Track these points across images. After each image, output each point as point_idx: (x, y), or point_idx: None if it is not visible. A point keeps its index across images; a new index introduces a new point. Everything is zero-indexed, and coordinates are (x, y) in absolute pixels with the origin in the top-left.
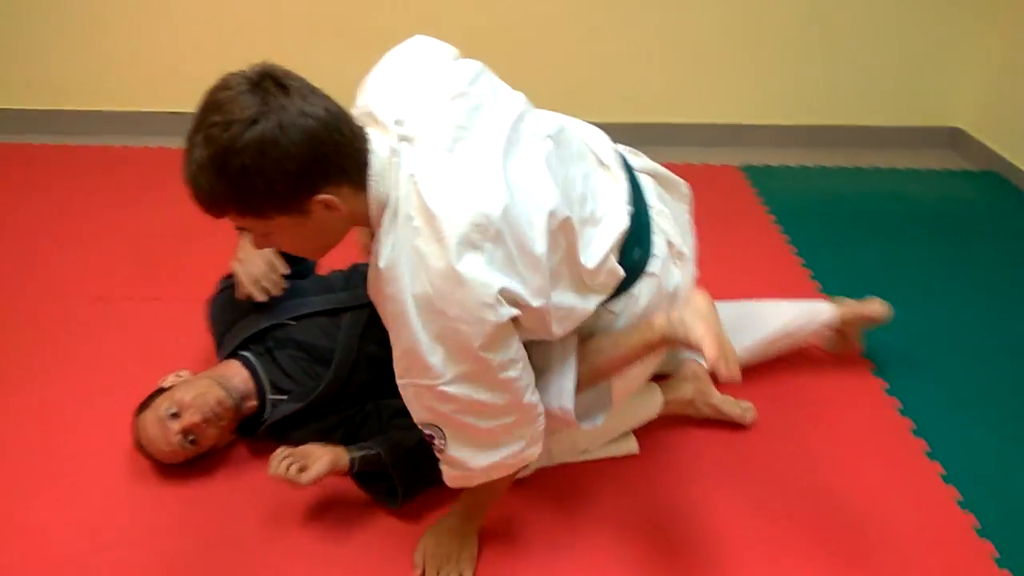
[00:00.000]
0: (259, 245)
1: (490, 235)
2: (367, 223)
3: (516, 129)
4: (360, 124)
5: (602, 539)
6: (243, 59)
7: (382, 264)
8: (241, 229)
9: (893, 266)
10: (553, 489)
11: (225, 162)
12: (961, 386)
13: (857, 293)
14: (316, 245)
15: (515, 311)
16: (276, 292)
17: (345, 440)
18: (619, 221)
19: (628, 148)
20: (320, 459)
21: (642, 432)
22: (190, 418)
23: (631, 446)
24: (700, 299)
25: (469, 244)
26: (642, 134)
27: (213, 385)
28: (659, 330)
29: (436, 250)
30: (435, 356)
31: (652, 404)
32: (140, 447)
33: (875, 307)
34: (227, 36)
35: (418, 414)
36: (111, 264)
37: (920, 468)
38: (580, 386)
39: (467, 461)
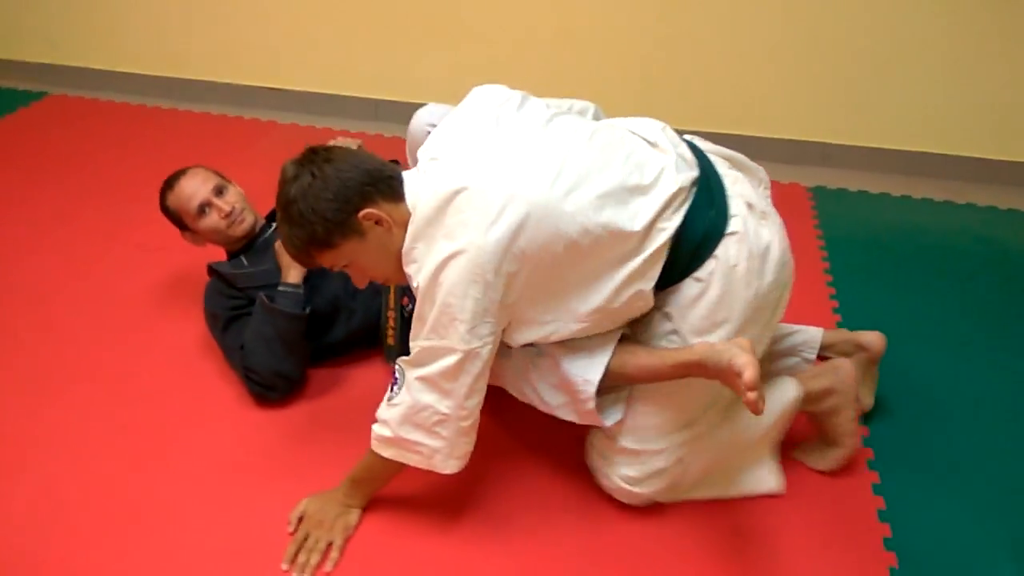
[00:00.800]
0: (356, 281)
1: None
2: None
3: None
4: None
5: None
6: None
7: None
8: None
9: (940, 316)
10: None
11: (288, 214)
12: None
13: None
14: (384, 262)
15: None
16: None
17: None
18: (667, 186)
19: (697, 136)
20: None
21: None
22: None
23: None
24: (744, 340)
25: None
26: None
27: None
28: (699, 353)
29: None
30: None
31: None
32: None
33: (871, 338)
34: (337, 26)
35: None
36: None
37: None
38: (606, 377)
39: (390, 422)
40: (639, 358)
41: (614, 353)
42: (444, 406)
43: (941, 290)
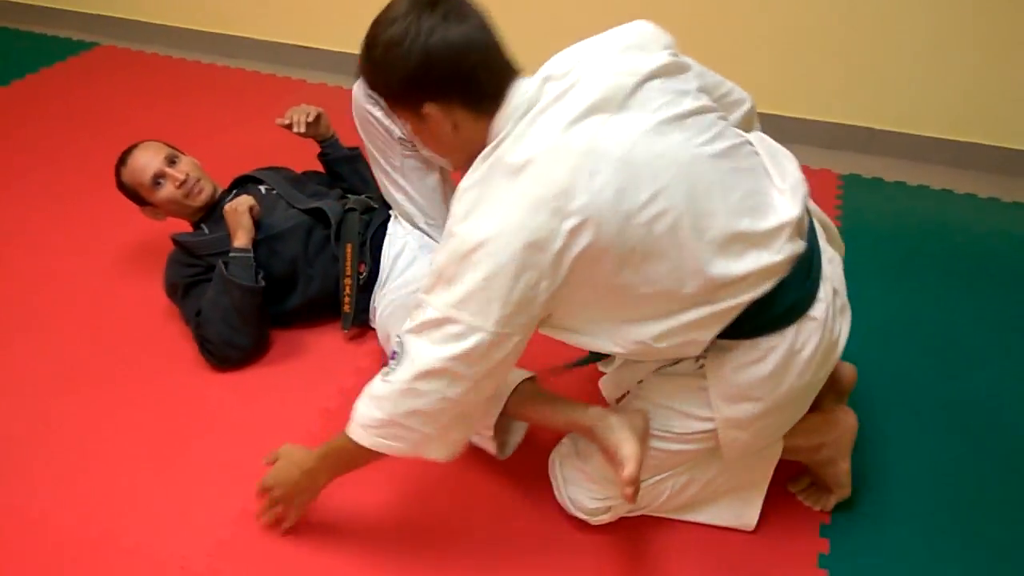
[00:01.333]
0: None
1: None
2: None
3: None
4: (513, 66)
5: None
6: None
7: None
8: None
9: (952, 329)
10: None
11: (369, 53)
12: None
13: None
14: (441, 151)
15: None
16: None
17: None
18: (777, 248)
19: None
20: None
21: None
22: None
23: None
24: (641, 419)
25: None
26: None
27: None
28: (591, 420)
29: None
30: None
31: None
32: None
33: (841, 371)
34: None
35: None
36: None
37: None
38: (506, 409)
39: (384, 401)
40: (537, 404)
41: (518, 391)
42: (452, 391)
43: (962, 298)
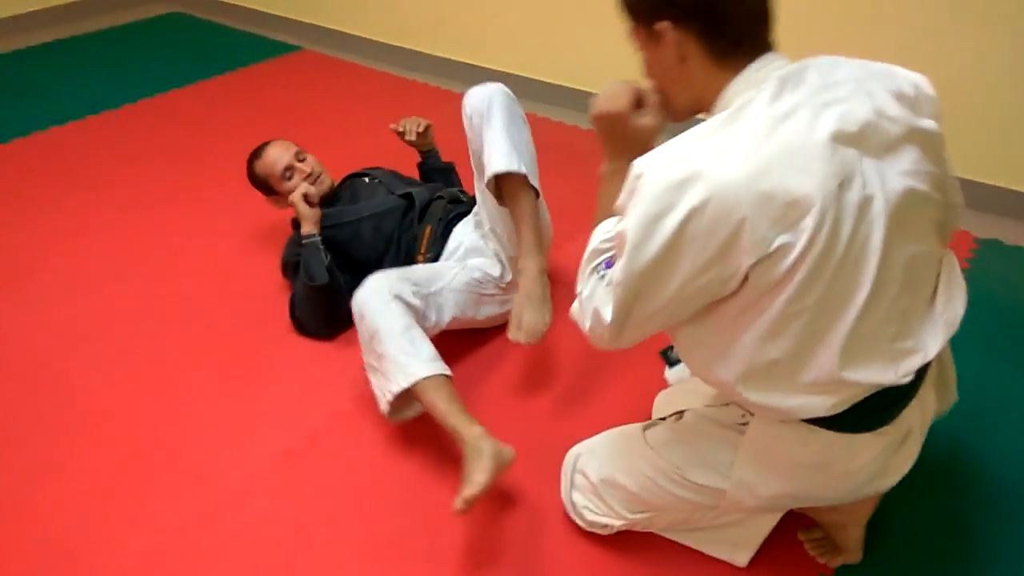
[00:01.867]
0: (644, 71)
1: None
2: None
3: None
4: (770, 30)
5: None
6: None
7: None
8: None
9: None
10: None
11: None
12: None
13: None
14: (660, 81)
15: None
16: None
17: None
18: (902, 376)
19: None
20: None
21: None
22: (310, 161)
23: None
24: (508, 456)
25: None
26: None
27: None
28: (470, 436)
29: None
30: None
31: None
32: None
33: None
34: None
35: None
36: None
37: None
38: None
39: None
40: (439, 399)
41: (434, 380)
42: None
43: None
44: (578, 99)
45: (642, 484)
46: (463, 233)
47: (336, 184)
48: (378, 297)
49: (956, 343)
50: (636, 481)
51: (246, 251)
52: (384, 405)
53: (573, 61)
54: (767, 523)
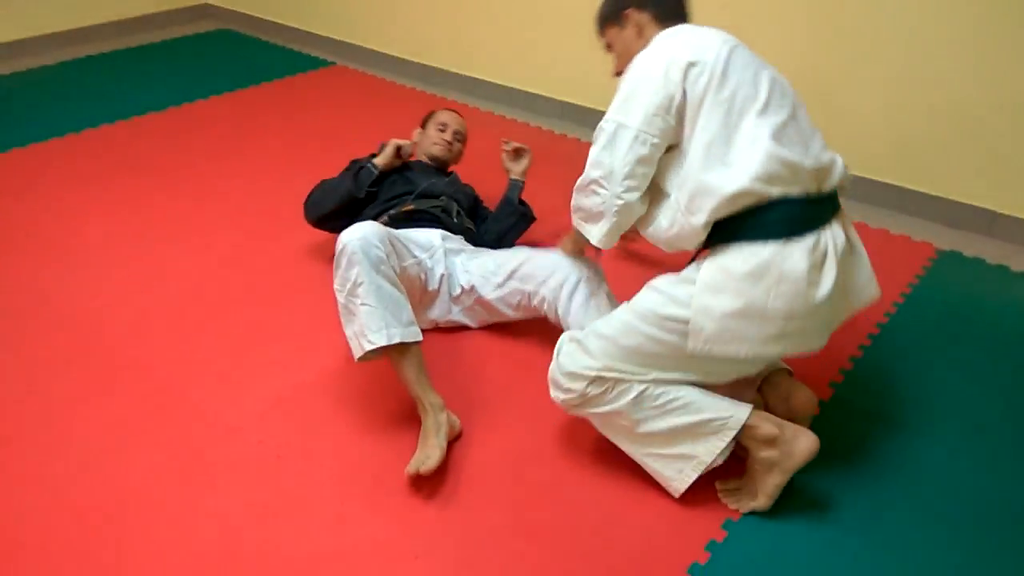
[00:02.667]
0: (616, 66)
1: None
2: None
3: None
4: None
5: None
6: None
7: None
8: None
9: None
10: None
11: None
12: None
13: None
14: (627, 58)
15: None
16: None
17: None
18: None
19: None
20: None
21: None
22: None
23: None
24: (456, 428)
25: None
26: (875, 193)
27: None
28: (429, 404)
29: None
30: None
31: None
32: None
33: (801, 399)
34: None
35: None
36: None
37: None
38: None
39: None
40: (407, 364)
41: (409, 347)
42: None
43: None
44: (584, 114)
45: (618, 328)
46: (453, 264)
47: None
48: (375, 249)
49: (911, 345)
50: (613, 326)
51: (263, 236)
52: (358, 351)
53: (581, 79)
54: (709, 452)
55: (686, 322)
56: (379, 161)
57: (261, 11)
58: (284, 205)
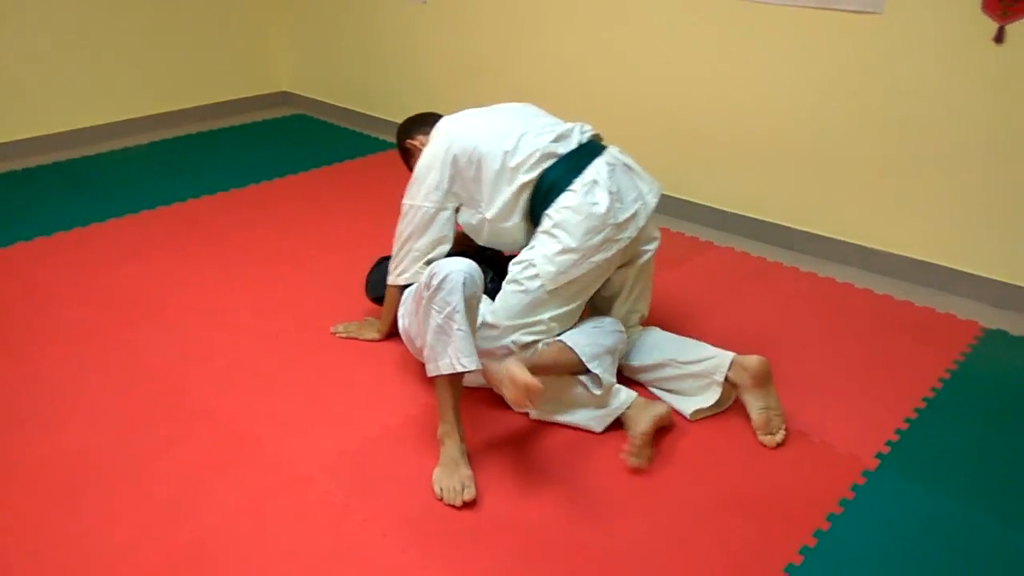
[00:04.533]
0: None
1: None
2: None
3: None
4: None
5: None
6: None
7: None
8: None
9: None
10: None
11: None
12: None
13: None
14: None
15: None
16: None
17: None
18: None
19: (616, 148)
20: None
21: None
22: None
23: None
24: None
25: None
26: (918, 274)
27: None
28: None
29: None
30: None
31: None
32: None
33: (750, 359)
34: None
35: None
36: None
37: None
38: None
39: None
40: (452, 394)
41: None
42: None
43: None
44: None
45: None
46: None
47: None
48: (473, 285)
49: (956, 418)
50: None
51: (331, 300)
52: (445, 369)
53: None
54: (622, 404)
55: (537, 273)
56: None
57: (333, 98)
58: (352, 274)
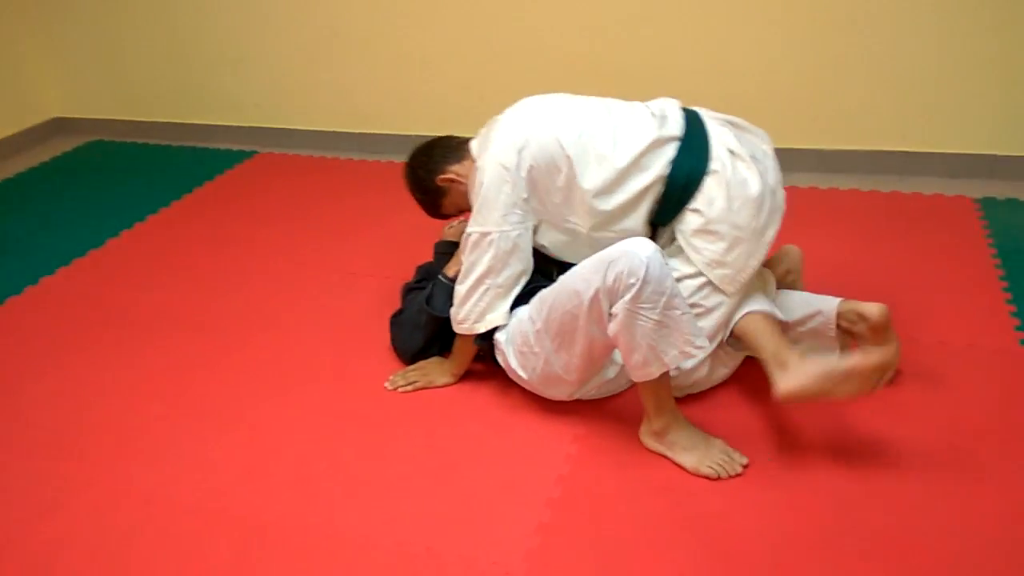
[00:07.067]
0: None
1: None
2: None
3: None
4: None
5: None
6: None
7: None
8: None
9: None
10: None
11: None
12: None
13: None
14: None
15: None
16: None
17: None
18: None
19: (707, 110)
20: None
21: None
22: None
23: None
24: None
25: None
26: (873, 162)
27: None
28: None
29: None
30: None
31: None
32: None
33: (870, 308)
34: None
35: None
36: (366, 250)
37: None
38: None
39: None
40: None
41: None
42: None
43: None
44: None
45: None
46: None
47: None
48: (662, 259)
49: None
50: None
51: (319, 360)
52: (673, 360)
53: None
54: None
55: (707, 281)
56: (451, 271)
57: (131, 113)
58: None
